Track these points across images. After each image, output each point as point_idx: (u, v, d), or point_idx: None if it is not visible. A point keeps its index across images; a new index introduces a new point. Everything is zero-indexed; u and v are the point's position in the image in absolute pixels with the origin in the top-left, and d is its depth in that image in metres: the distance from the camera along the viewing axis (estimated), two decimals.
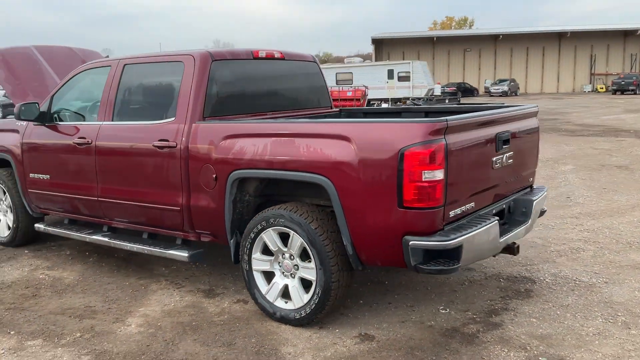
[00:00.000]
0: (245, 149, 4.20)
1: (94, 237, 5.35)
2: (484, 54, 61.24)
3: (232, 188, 4.30)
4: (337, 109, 6.00)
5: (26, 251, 6.17)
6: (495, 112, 4.25)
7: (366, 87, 32.73)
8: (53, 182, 5.61)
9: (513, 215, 4.52)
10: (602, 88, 55.79)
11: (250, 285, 4.35)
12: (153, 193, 4.77)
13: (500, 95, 51.08)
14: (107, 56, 7.17)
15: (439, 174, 3.52)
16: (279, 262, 4.25)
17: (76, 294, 4.94)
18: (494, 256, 4.52)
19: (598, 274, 5.11)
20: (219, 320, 4.31)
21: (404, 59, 50.48)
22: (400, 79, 36.84)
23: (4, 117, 16.65)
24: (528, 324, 4.13)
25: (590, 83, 58.94)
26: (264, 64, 5.23)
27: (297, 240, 4.05)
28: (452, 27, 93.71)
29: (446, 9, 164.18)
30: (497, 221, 3.91)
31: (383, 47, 62.12)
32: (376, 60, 57.06)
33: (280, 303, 4.23)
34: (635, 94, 47.67)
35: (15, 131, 5.94)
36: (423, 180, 3.49)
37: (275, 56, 5.30)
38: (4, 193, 6.21)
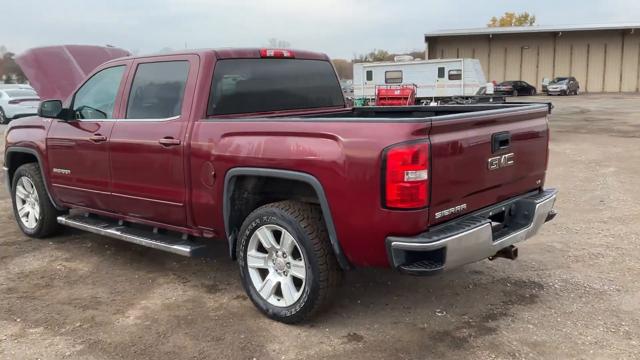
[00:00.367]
0: (241, 147, 4.25)
1: (108, 230, 5.53)
2: (543, 51, 59.54)
3: (230, 185, 4.35)
4: (350, 108, 5.97)
5: (50, 242, 6.43)
6: (490, 112, 4.14)
7: (415, 86, 32.42)
8: (73, 177, 5.83)
9: (515, 218, 4.38)
10: None
11: (246, 282, 4.40)
12: (159, 188, 4.89)
13: (559, 94, 49.55)
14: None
15: (422, 175, 3.46)
16: (273, 260, 4.28)
17: (86, 285, 5.11)
18: (491, 259, 4.42)
19: (612, 281, 4.91)
20: (214, 315, 4.38)
21: (458, 57, 49.59)
22: (451, 77, 36.25)
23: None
24: (524, 330, 4.01)
25: None
26: (272, 63, 5.27)
27: (288, 238, 4.07)
28: (512, 24, 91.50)
29: (506, 6, 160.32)
30: (489, 224, 3.81)
31: (437, 44, 61.24)
32: (429, 58, 56.33)
33: (273, 300, 4.26)
34: None
35: (41, 127, 6.20)
36: (405, 180, 3.45)
37: (285, 55, 5.33)
38: (32, 187, 6.49)
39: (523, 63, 60.37)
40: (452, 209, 3.74)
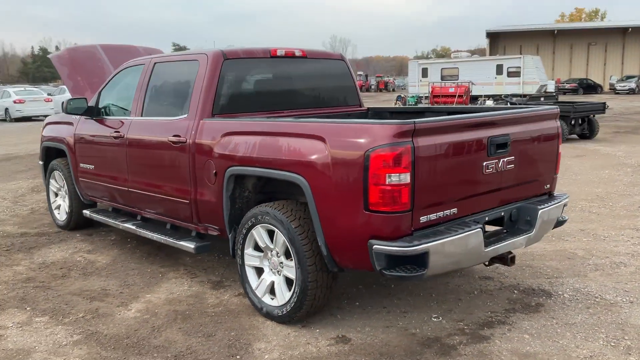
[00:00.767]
0: (239, 147, 4.30)
1: (125, 225, 5.70)
2: (611, 48, 56.98)
3: (229, 184, 4.41)
4: (365, 108, 5.92)
5: (78, 235, 6.70)
6: (483, 114, 4.01)
7: (471, 83, 31.74)
8: (96, 172, 6.05)
9: (517, 224, 4.24)
10: None
11: (243, 280, 4.45)
12: (168, 185, 5.00)
13: (627, 93, 47.31)
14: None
15: (405, 178, 3.40)
16: (268, 259, 4.31)
17: (100, 277, 5.30)
18: (487, 265, 4.28)
19: (628, 292, 4.68)
20: (211, 312, 4.45)
21: (521, 54, 48.20)
22: (510, 74, 35.27)
23: None
24: (518, 340, 3.88)
25: None
26: (283, 63, 5.29)
27: (280, 238, 4.09)
28: (582, 20, 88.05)
29: (576, 0, 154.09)
30: (479, 229, 3.70)
31: (499, 41, 59.69)
32: (490, 54, 54.96)
33: (267, 299, 4.29)
34: None
35: (70, 124, 6.46)
36: (387, 183, 3.40)
37: (296, 54, 5.34)
38: (63, 180, 6.77)
39: (590, 60, 58.00)
40: (440, 213, 3.66)
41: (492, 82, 35.33)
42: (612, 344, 3.79)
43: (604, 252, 5.72)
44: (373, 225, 3.49)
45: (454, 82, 33.11)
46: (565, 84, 48.07)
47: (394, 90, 61.81)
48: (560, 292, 4.69)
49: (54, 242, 6.43)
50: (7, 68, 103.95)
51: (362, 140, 3.50)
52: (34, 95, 29.68)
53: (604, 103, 16.23)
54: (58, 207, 7.03)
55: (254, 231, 4.28)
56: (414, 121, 3.42)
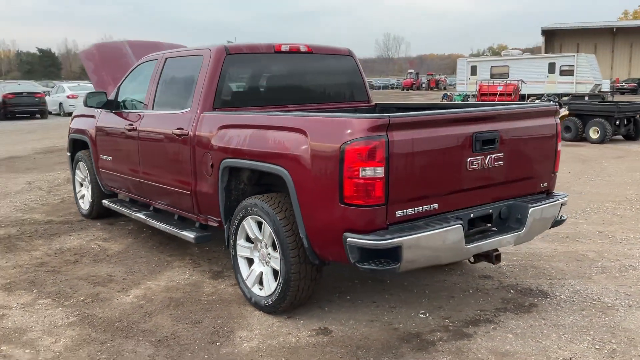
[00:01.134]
0: (232, 139, 4.40)
1: (137, 214, 5.90)
2: None
3: (224, 175, 4.51)
4: (373, 104, 5.92)
5: (98, 223, 6.96)
6: (465, 110, 3.96)
7: (521, 82, 30.96)
8: (114, 163, 6.27)
9: (507, 222, 4.17)
10: None
11: (235, 270, 4.54)
12: (173, 176, 5.15)
13: None
14: None
15: (378, 171, 3.42)
16: (258, 250, 4.39)
17: (109, 263, 5.50)
18: (472, 262, 4.23)
19: (629, 296, 4.53)
20: (204, 300, 4.57)
21: (578, 52, 46.68)
22: (562, 73, 34.22)
23: None
24: (500, 339, 3.83)
25: None
26: (288, 58, 5.36)
27: (267, 230, 4.16)
28: None
29: None
30: (459, 225, 3.67)
31: (555, 38, 57.96)
32: (546, 53, 53.44)
33: (256, 289, 4.37)
34: None
35: (93, 116, 6.72)
36: (361, 177, 3.42)
37: (301, 50, 5.39)
38: (87, 171, 7.04)
39: None
40: (418, 208, 3.65)
41: (544, 81, 34.36)
42: (597, 347, 3.70)
43: (616, 254, 5.55)
44: (348, 218, 3.52)
45: (503, 81, 32.36)
46: (624, 84, 46.31)
47: (444, 88, 61.02)
48: (558, 294, 4.59)
49: (75, 230, 6.70)
50: (70, 65, 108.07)
51: (338, 134, 3.52)
52: (87, 90, 30.69)
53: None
54: (82, 197, 7.32)
55: (244, 222, 4.37)
56: (389, 115, 3.42)
